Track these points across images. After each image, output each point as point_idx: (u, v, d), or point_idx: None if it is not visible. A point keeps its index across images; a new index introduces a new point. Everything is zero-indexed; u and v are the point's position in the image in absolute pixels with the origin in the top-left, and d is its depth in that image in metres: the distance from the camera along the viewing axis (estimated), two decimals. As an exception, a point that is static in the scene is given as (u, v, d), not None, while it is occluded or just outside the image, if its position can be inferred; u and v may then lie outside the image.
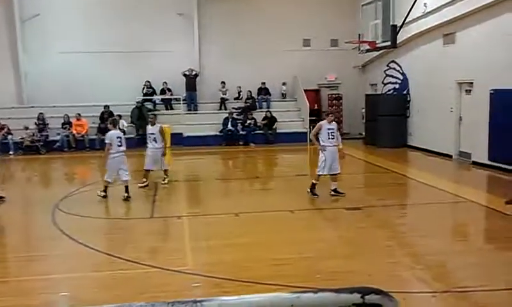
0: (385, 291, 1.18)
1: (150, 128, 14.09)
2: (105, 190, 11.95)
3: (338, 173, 11.78)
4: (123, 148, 12.00)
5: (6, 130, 21.04)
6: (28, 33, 23.08)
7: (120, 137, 12.00)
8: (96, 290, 6.59)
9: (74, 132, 21.69)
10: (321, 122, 11.91)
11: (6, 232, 9.75)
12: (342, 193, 11.66)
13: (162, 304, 1.12)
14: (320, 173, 11.58)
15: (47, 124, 21.83)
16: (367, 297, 1.14)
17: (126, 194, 11.83)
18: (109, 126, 12.61)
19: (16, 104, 22.94)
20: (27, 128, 21.12)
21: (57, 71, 22.60)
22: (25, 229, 10.34)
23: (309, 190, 11.69)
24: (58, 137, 21.53)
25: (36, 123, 21.56)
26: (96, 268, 7.45)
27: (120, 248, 8.19)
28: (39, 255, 7.94)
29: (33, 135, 21.11)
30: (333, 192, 11.65)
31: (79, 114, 21.95)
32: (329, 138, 11.59)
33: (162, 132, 13.79)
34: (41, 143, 21.00)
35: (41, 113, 21.80)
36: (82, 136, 21.60)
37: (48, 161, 19.74)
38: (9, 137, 21.04)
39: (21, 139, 20.90)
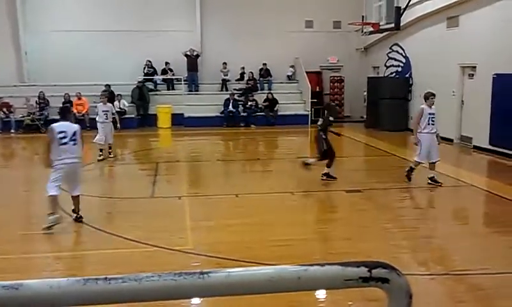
0: (393, 265, 1.17)
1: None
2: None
3: (437, 161, 11.02)
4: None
5: (7, 107, 21.06)
6: (29, 11, 22.94)
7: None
8: (97, 268, 6.62)
9: (75, 111, 21.63)
10: (422, 106, 10.95)
11: (6, 209, 9.76)
12: (439, 183, 10.99)
13: (169, 275, 1.12)
14: (419, 161, 10.97)
15: (48, 102, 21.80)
16: (374, 271, 1.14)
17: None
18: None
19: (18, 82, 22.90)
20: (28, 101, 21.24)
21: (58, 50, 22.51)
22: (26, 207, 10.37)
23: (406, 173, 11.21)
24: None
25: (36, 102, 21.55)
26: (96, 246, 7.48)
27: (120, 227, 8.21)
28: (40, 233, 7.95)
29: (33, 113, 21.09)
30: (430, 181, 11.00)
31: (80, 93, 21.89)
32: (429, 124, 10.80)
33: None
34: (42, 122, 20.98)
35: (41, 92, 21.76)
36: (83, 115, 21.55)
37: (49, 140, 19.71)
38: (11, 115, 21.13)
39: (21, 117, 20.89)
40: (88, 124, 20.98)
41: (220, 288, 1.12)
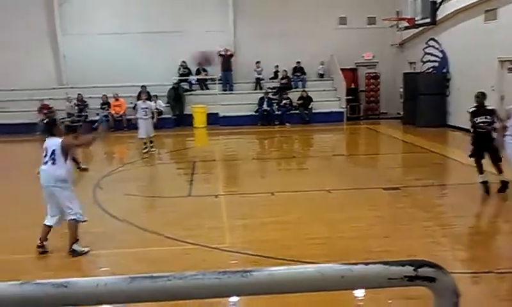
0: (439, 264, 1.15)
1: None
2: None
3: None
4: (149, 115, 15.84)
5: (47, 109, 21.60)
6: (66, 15, 23.46)
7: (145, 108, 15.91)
8: (137, 265, 6.72)
9: (112, 112, 22.04)
10: (511, 107, 9.46)
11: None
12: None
13: (212, 273, 1.13)
14: None
15: (86, 104, 22.26)
16: (419, 269, 1.12)
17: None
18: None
19: (57, 85, 23.46)
20: (70, 101, 21.79)
21: (95, 53, 22.93)
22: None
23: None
24: (97, 118, 21.91)
25: (75, 104, 22.03)
26: (135, 245, 7.60)
27: (158, 225, 8.32)
28: (80, 232, 8.12)
29: (73, 115, 21.56)
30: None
31: (117, 94, 22.25)
32: None
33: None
34: (81, 123, 21.40)
35: (79, 94, 22.23)
36: (120, 116, 21.93)
37: (88, 141, 20.11)
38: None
39: (61, 119, 21.36)
40: (125, 125, 21.36)
41: (263, 286, 1.12)
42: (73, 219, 7.13)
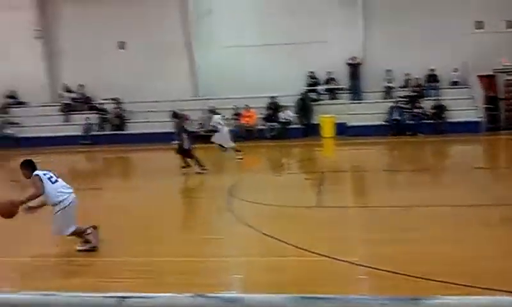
0: None
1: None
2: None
3: None
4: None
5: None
6: (201, 29, 24.65)
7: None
8: (266, 274, 6.80)
9: (243, 122, 22.71)
10: None
11: (184, 215, 10.52)
12: None
13: (379, 298, 1.08)
14: None
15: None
16: None
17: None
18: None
19: (192, 96, 24.67)
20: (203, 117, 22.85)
21: (226, 64, 23.80)
22: (201, 213, 11.08)
23: None
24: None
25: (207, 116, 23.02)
26: (264, 253, 7.69)
27: (288, 234, 8.33)
28: (215, 238, 8.43)
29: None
30: None
31: (248, 106, 22.90)
32: None
33: None
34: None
35: (212, 105, 23.15)
36: (251, 126, 22.52)
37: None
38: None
39: (196, 129, 22.41)
40: (257, 135, 21.91)
41: (436, 315, 1.06)
42: None
